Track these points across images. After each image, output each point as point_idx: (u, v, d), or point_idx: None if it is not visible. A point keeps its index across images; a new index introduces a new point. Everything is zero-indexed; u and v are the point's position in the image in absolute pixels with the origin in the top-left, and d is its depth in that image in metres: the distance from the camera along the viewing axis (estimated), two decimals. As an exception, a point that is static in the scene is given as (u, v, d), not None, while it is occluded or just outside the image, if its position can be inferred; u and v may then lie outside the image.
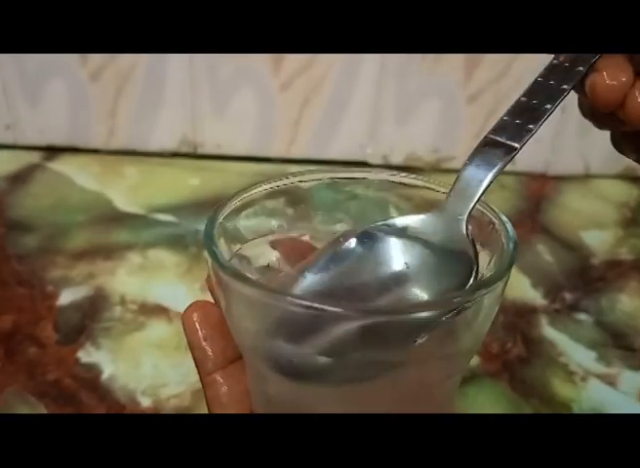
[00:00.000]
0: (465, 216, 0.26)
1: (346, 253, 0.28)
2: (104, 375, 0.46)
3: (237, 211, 0.29)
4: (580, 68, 0.27)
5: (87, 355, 0.48)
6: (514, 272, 0.58)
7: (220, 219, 0.28)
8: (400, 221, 0.28)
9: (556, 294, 0.55)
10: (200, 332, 0.27)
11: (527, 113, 0.28)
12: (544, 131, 0.77)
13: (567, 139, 0.70)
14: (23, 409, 0.44)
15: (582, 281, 0.57)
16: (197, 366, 0.28)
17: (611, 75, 0.26)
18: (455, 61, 0.67)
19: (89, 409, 0.44)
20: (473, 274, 0.25)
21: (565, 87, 0.27)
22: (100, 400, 0.45)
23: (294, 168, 0.72)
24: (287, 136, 0.72)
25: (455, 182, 0.27)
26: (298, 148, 0.73)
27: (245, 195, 0.29)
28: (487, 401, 0.46)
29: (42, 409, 0.44)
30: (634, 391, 0.47)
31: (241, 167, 0.73)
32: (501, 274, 0.24)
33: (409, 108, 0.70)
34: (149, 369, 0.47)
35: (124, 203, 0.66)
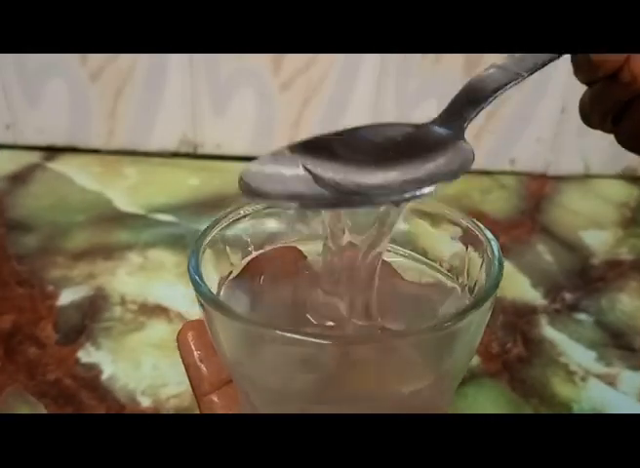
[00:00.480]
0: (467, 121, 0.27)
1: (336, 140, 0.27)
2: (104, 375, 0.46)
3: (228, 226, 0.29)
4: None
5: (87, 355, 0.48)
6: (514, 272, 0.58)
7: (208, 241, 0.27)
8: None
9: (556, 294, 0.55)
10: (195, 353, 0.27)
11: (532, 56, 0.27)
12: (545, 131, 0.77)
13: (567, 139, 0.70)
14: (23, 409, 0.44)
15: (582, 281, 0.57)
16: (193, 386, 0.28)
17: None
18: (455, 61, 0.67)
19: (89, 409, 0.44)
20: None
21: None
22: (100, 400, 0.45)
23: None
24: (287, 135, 0.72)
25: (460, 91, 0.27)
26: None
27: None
28: (487, 401, 0.46)
29: (42, 409, 0.44)
30: (634, 391, 0.47)
31: (241, 167, 0.72)
32: (489, 293, 0.24)
33: (409, 108, 0.70)
34: (149, 369, 0.47)
35: (124, 203, 0.66)
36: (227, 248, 0.29)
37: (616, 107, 0.29)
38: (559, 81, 0.66)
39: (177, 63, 0.69)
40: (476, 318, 0.24)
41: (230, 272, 0.29)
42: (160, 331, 0.50)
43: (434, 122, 0.27)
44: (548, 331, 0.52)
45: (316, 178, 0.25)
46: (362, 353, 0.23)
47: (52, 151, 0.73)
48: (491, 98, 0.27)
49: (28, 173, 0.70)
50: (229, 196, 0.67)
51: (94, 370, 0.47)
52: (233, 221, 0.29)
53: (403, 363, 0.24)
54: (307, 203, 0.25)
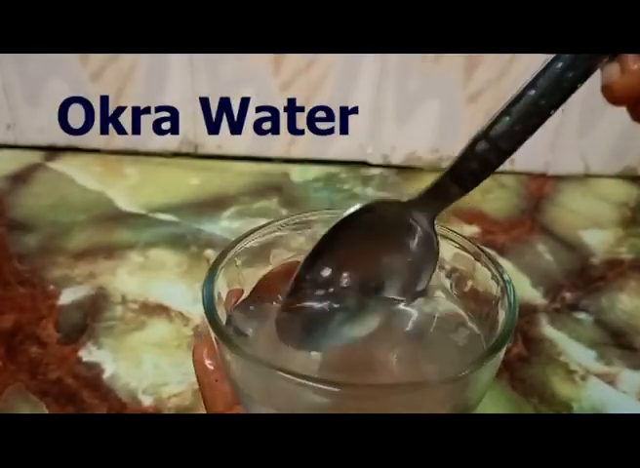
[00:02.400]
0: (435, 213, 0.28)
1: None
2: (106, 374, 0.46)
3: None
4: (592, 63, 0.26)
5: (88, 354, 0.48)
6: (514, 272, 0.58)
7: (219, 277, 0.28)
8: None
9: (556, 294, 0.56)
10: (210, 373, 0.27)
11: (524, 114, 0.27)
12: (545, 131, 0.77)
13: (567, 139, 0.70)
14: (25, 409, 0.44)
15: (582, 280, 0.57)
16: (206, 405, 0.28)
17: (634, 61, 0.25)
18: (455, 61, 0.67)
19: (90, 408, 0.44)
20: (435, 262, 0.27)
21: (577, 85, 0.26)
22: (101, 399, 0.45)
23: (294, 168, 0.73)
24: (287, 135, 0.72)
25: (433, 182, 0.28)
26: (298, 148, 0.73)
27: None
28: (487, 400, 0.46)
29: (43, 409, 0.44)
30: (634, 390, 0.47)
31: (241, 167, 0.73)
32: (504, 341, 0.25)
33: (409, 108, 0.70)
34: (150, 368, 0.47)
35: (125, 203, 0.66)
36: (240, 271, 0.29)
37: None
38: (559, 81, 0.66)
39: (177, 63, 0.69)
40: (491, 363, 0.24)
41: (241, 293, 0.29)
42: (161, 330, 0.50)
43: (412, 205, 0.29)
44: (548, 331, 0.52)
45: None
46: (372, 401, 0.23)
47: (52, 151, 0.73)
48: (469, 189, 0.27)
49: (29, 172, 0.70)
50: (230, 196, 0.68)
51: (95, 369, 0.47)
52: (240, 250, 0.30)
53: (415, 405, 0.24)
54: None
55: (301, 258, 0.29)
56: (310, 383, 0.22)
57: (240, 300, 0.29)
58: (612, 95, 0.25)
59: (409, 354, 0.28)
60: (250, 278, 0.30)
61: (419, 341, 0.28)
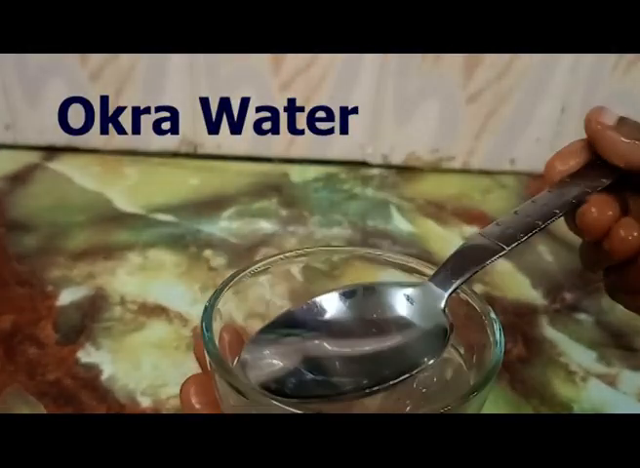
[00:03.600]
0: (447, 295, 0.28)
1: (327, 308, 0.29)
2: (104, 375, 0.46)
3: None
4: (572, 200, 0.30)
5: (87, 355, 0.48)
6: (514, 272, 0.58)
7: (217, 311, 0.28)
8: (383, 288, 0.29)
9: (556, 294, 0.55)
10: (196, 410, 0.27)
11: (519, 225, 0.29)
12: (545, 131, 0.77)
13: (567, 140, 0.70)
14: (23, 409, 0.44)
15: (582, 281, 0.57)
16: None
17: (599, 209, 0.29)
18: (455, 61, 0.67)
19: (89, 408, 0.44)
20: (446, 346, 0.27)
21: (557, 211, 0.29)
22: (99, 400, 0.45)
23: (293, 168, 0.73)
24: (287, 135, 0.72)
25: (443, 264, 0.29)
26: (297, 148, 0.73)
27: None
28: (487, 401, 0.46)
29: (41, 409, 0.44)
30: (634, 391, 0.47)
31: (241, 167, 0.73)
32: (489, 377, 0.25)
33: (409, 108, 0.70)
34: (149, 369, 0.47)
35: (124, 203, 0.66)
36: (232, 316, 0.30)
37: (603, 265, 0.32)
38: (559, 81, 0.66)
39: (177, 63, 0.69)
40: (480, 396, 0.25)
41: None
42: (160, 331, 0.50)
43: (418, 289, 0.29)
44: (549, 332, 0.52)
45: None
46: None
47: (51, 151, 0.73)
48: (474, 272, 0.28)
49: (28, 173, 0.70)
50: (229, 196, 0.67)
51: (94, 370, 0.47)
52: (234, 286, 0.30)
53: None
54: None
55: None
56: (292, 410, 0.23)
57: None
58: (583, 224, 0.30)
59: (398, 391, 0.28)
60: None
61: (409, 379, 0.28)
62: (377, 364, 0.27)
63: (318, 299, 0.29)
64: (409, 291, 0.29)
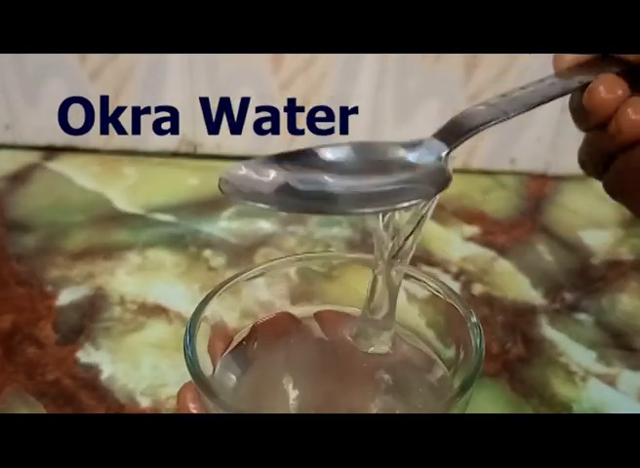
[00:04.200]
0: (448, 149, 0.28)
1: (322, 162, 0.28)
2: (104, 375, 0.46)
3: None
4: (580, 80, 0.29)
5: (86, 355, 0.48)
6: (514, 272, 0.58)
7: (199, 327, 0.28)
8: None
9: (556, 294, 0.55)
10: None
11: (525, 97, 0.30)
12: (545, 131, 0.77)
13: (567, 139, 0.70)
14: (22, 409, 0.44)
15: (582, 281, 0.57)
16: None
17: (608, 88, 0.28)
18: (455, 61, 0.67)
19: (88, 408, 0.44)
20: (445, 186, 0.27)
21: (564, 88, 0.29)
22: (99, 400, 0.45)
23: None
24: (287, 135, 0.72)
25: (447, 123, 0.30)
26: (297, 148, 0.73)
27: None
28: (486, 401, 0.46)
29: (41, 409, 0.44)
30: (634, 391, 0.47)
31: (241, 167, 0.72)
32: (469, 385, 0.25)
33: (409, 108, 0.70)
34: (149, 369, 0.47)
35: (123, 203, 0.66)
36: (223, 321, 0.30)
37: (604, 157, 0.31)
38: (559, 81, 0.66)
39: (177, 63, 0.68)
40: (461, 402, 0.25)
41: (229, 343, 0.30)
42: (159, 330, 0.50)
43: (420, 143, 0.28)
44: (548, 331, 0.52)
45: (296, 184, 0.26)
46: None
47: (51, 151, 0.73)
48: (474, 131, 0.28)
49: (27, 172, 0.70)
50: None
51: (93, 370, 0.47)
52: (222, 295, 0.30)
53: None
54: (282, 207, 0.26)
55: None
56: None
57: (230, 349, 0.29)
58: (591, 104, 0.28)
59: (384, 398, 0.28)
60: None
61: (393, 385, 0.28)
62: (377, 194, 0.26)
63: (316, 149, 0.28)
64: (410, 143, 0.29)
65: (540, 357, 0.49)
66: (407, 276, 0.30)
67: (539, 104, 0.29)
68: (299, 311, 0.32)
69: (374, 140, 0.29)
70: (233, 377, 0.28)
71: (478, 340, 0.27)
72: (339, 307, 0.32)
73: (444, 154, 0.27)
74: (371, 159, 0.28)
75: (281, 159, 0.27)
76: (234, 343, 0.30)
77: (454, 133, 0.28)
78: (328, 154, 0.28)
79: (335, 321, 0.31)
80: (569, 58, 0.29)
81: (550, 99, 0.29)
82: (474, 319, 0.28)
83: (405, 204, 0.25)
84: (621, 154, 0.29)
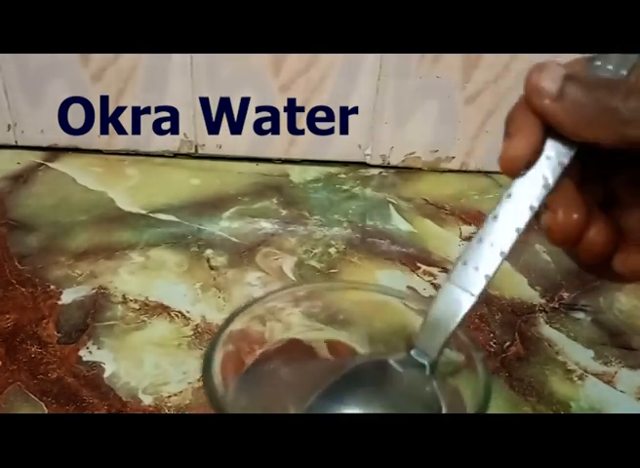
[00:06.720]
0: (430, 363, 0.28)
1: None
2: (106, 374, 0.47)
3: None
4: (534, 205, 0.27)
5: (89, 354, 0.48)
6: (512, 271, 0.58)
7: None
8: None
9: (554, 293, 0.56)
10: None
11: (485, 260, 0.28)
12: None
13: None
14: (25, 408, 0.44)
15: (580, 280, 0.57)
16: None
17: (564, 213, 0.26)
18: (453, 62, 0.68)
19: (90, 407, 0.44)
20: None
21: (519, 227, 0.27)
22: (101, 398, 0.45)
23: (293, 168, 0.73)
24: (287, 136, 0.72)
25: (422, 324, 0.29)
26: (297, 149, 0.73)
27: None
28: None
29: (43, 408, 0.44)
30: (632, 390, 0.47)
31: (241, 167, 0.73)
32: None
33: (408, 109, 0.71)
34: (151, 367, 0.47)
35: (126, 203, 0.66)
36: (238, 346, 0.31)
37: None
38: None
39: (177, 64, 0.69)
40: None
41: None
42: (161, 329, 0.51)
43: (404, 361, 0.29)
44: (546, 330, 0.52)
45: None
46: None
47: (54, 151, 0.73)
48: (455, 329, 0.28)
49: (30, 173, 0.70)
50: (230, 196, 0.68)
51: (95, 368, 0.47)
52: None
53: None
54: None
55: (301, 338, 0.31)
56: None
57: (241, 373, 0.30)
58: (551, 237, 0.27)
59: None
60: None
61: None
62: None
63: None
64: (394, 364, 0.29)
65: (538, 355, 0.49)
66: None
67: (502, 262, 0.28)
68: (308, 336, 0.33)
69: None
70: (244, 399, 0.29)
71: (486, 376, 0.27)
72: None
73: (428, 372, 0.28)
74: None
75: None
76: (245, 368, 0.31)
77: (431, 342, 0.28)
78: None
79: (344, 350, 0.32)
80: (514, 159, 0.26)
81: (510, 249, 0.27)
82: (480, 354, 0.28)
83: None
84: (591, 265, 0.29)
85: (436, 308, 0.28)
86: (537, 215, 0.27)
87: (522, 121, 0.25)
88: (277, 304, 0.32)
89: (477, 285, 0.27)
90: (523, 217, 0.27)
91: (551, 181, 0.26)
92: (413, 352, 0.29)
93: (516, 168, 0.26)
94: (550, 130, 0.25)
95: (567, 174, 0.26)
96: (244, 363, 0.31)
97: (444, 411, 0.27)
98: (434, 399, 0.27)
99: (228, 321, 0.30)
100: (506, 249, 0.27)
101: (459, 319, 0.28)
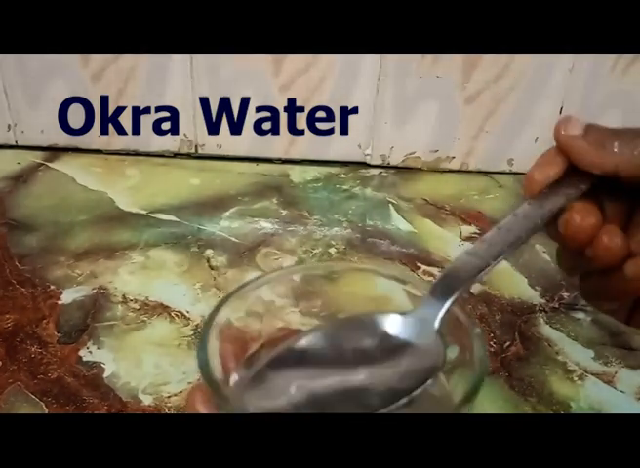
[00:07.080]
0: (438, 319, 0.28)
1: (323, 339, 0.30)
2: (106, 374, 0.47)
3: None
4: (553, 209, 0.30)
5: (89, 354, 0.48)
6: (512, 271, 0.58)
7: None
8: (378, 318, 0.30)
9: (554, 293, 0.56)
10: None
11: (503, 240, 0.29)
12: (543, 131, 0.77)
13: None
14: (25, 408, 0.44)
15: (580, 280, 0.57)
16: None
17: (581, 216, 0.29)
18: (453, 62, 0.67)
19: (90, 407, 0.44)
20: (439, 370, 0.27)
21: (538, 222, 0.30)
22: (101, 398, 0.45)
23: (293, 168, 0.73)
24: (287, 136, 0.72)
25: (433, 285, 0.29)
26: (297, 149, 0.73)
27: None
28: (485, 399, 0.46)
29: (43, 408, 0.44)
30: (632, 389, 0.47)
31: (241, 167, 0.73)
32: (472, 395, 0.26)
33: (408, 109, 0.71)
34: (151, 367, 0.47)
35: (126, 203, 0.66)
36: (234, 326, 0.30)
37: (581, 272, 0.32)
38: (557, 81, 0.67)
39: (177, 64, 0.69)
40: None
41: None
42: (162, 329, 0.51)
43: (410, 314, 0.29)
44: (546, 330, 0.52)
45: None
46: None
47: (54, 151, 0.73)
48: (462, 289, 0.29)
49: (30, 173, 0.70)
50: (230, 196, 0.68)
51: (95, 368, 0.47)
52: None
53: None
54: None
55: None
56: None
57: (241, 364, 0.30)
58: (567, 233, 0.30)
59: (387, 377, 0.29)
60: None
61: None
62: (372, 392, 0.27)
63: (312, 335, 0.29)
64: (401, 317, 0.29)
65: (538, 355, 0.50)
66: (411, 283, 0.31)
67: (517, 246, 0.29)
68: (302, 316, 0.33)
69: (361, 315, 0.30)
70: (245, 390, 0.29)
71: (482, 352, 0.27)
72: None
73: (437, 325, 0.28)
74: (361, 345, 0.29)
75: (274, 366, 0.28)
76: (245, 358, 0.31)
77: (442, 296, 0.28)
78: (315, 344, 0.29)
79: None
80: (538, 181, 0.30)
81: (527, 237, 0.30)
82: (477, 330, 0.28)
83: (405, 400, 0.26)
84: (599, 274, 0.31)
85: (449, 269, 0.29)
86: (556, 217, 0.30)
87: (550, 157, 0.31)
88: (275, 300, 0.32)
89: (495, 256, 0.29)
90: (544, 216, 0.30)
91: (557, 208, 0.30)
92: (418, 310, 0.29)
93: (535, 189, 0.30)
94: (569, 170, 0.30)
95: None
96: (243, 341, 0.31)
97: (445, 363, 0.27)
98: (440, 351, 0.28)
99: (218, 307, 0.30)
100: (524, 235, 0.29)
101: (473, 278, 0.28)
